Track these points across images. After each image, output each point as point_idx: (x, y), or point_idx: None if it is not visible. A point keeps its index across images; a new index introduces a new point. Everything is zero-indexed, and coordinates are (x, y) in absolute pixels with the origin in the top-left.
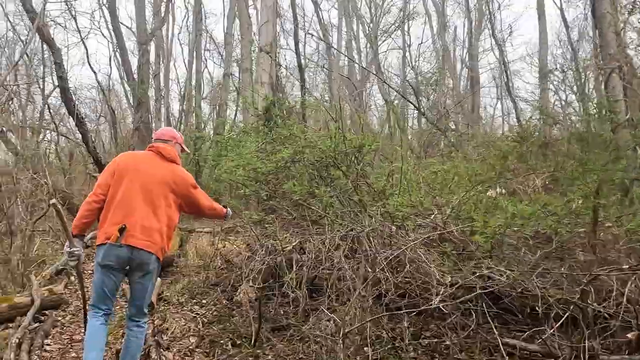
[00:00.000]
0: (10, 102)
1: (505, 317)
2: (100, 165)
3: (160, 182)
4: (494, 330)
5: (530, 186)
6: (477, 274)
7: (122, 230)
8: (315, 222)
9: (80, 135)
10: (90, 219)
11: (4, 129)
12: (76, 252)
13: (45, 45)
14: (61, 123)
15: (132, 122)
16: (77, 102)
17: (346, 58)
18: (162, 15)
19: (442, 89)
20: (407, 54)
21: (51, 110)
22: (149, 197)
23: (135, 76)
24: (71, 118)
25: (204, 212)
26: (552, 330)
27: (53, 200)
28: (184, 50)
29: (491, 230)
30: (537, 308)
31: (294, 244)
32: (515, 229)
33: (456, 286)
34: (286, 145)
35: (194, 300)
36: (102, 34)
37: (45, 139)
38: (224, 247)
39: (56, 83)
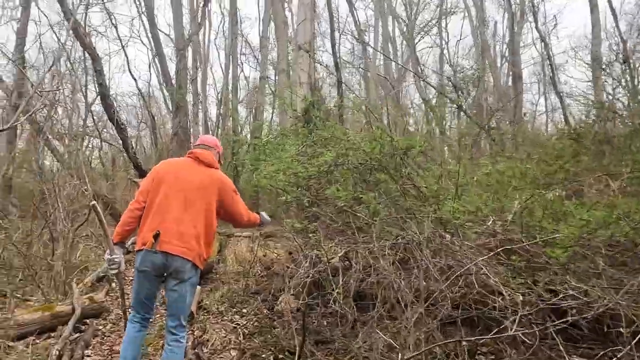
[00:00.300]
0: (53, 110)
1: (570, 332)
2: (140, 171)
3: (199, 187)
4: (560, 346)
5: (602, 188)
6: (561, 296)
7: (156, 237)
8: (360, 229)
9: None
10: (132, 226)
11: (49, 136)
12: (117, 260)
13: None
14: (104, 130)
15: (171, 127)
16: (117, 109)
17: (382, 58)
18: (199, 20)
19: (483, 85)
20: (445, 51)
21: (94, 118)
22: (187, 203)
23: (174, 82)
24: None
25: (241, 219)
26: (628, 349)
27: (93, 202)
28: (220, 55)
29: (568, 241)
30: (620, 329)
31: (340, 254)
32: (587, 237)
33: (534, 309)
34: (328, 148)
35: (234, 310)
36: (142, 42)
37: (90, 145)
38: (264, 255)
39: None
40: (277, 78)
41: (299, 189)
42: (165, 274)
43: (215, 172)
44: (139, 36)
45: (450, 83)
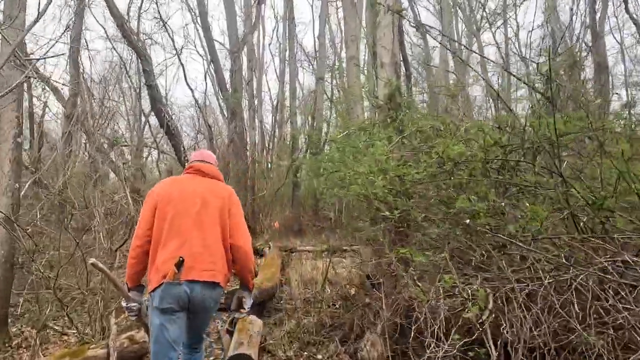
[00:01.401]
0: (106, 120)
1: None
2: None
3: (211, 198)
4: None
5: None
6: None
7: (179, 265)
8: (491, 257)
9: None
10: (141, 266)
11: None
12: (134, 307)
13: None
14: (162, 141)
15: (226, 135)
16: (170, 114)
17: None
18: (253, 20)
19: (575, 75)
20: (515, 42)
21: (152, 129)
22: (202, 218)
23: (229, 86)
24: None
25: (238, 242)
26: None
27: (92, 260)
28: (275, 61)
29: None
30: None
31: (489, 305)
32: None
33: None
34: (442, 140)
35: (305, 353)
36: (197, 51)
37: (149, 156)
38: (355, 282)
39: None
40: (344, 66)
41: (408, 199)
42: (189, 306)
43: (219, 183)
44: (195, 46)
45: (537, 73)
